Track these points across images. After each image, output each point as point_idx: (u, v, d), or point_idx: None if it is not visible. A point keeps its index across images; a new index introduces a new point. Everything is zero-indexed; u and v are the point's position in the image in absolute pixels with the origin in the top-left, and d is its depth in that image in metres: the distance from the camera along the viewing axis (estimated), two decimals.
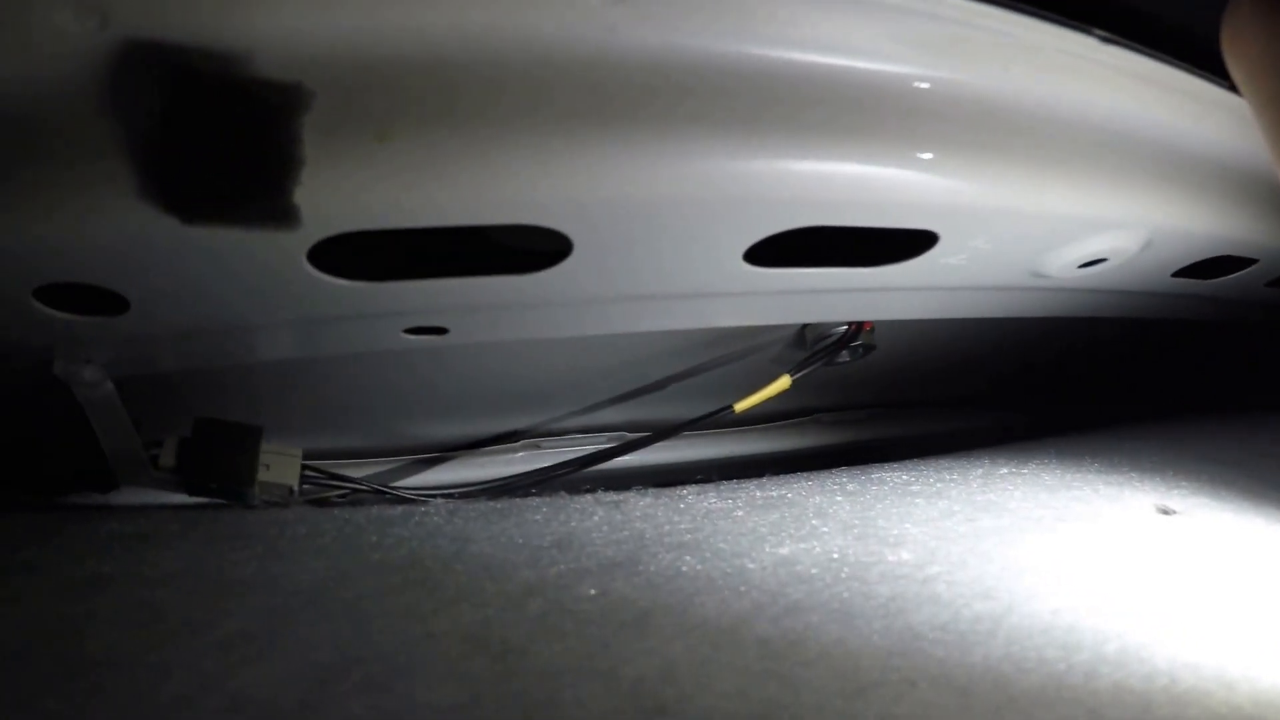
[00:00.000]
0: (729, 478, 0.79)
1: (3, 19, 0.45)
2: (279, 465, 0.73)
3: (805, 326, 0.82)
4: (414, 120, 0.49)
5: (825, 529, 0.62)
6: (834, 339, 0.80)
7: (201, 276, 0.56)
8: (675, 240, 0.57)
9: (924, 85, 0.55)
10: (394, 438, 0.92)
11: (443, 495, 0.80)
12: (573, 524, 0.61)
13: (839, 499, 0.69)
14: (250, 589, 0.51)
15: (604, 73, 0.50)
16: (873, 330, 0.81)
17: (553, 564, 0.54)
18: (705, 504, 0.67)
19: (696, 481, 0.77)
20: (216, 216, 0.48)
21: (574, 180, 0.51)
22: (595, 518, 0.62)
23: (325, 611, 0.48)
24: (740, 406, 0.78)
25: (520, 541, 0.58)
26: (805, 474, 0.77)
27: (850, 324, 0.80)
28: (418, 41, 0.47)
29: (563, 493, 0.74)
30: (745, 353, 0.86)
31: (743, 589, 0.52)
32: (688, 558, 0.56)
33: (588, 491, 0.74)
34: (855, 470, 0.78)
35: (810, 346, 0.82)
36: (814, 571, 0.54)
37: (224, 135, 0.46)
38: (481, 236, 0.58)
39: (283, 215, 0.48)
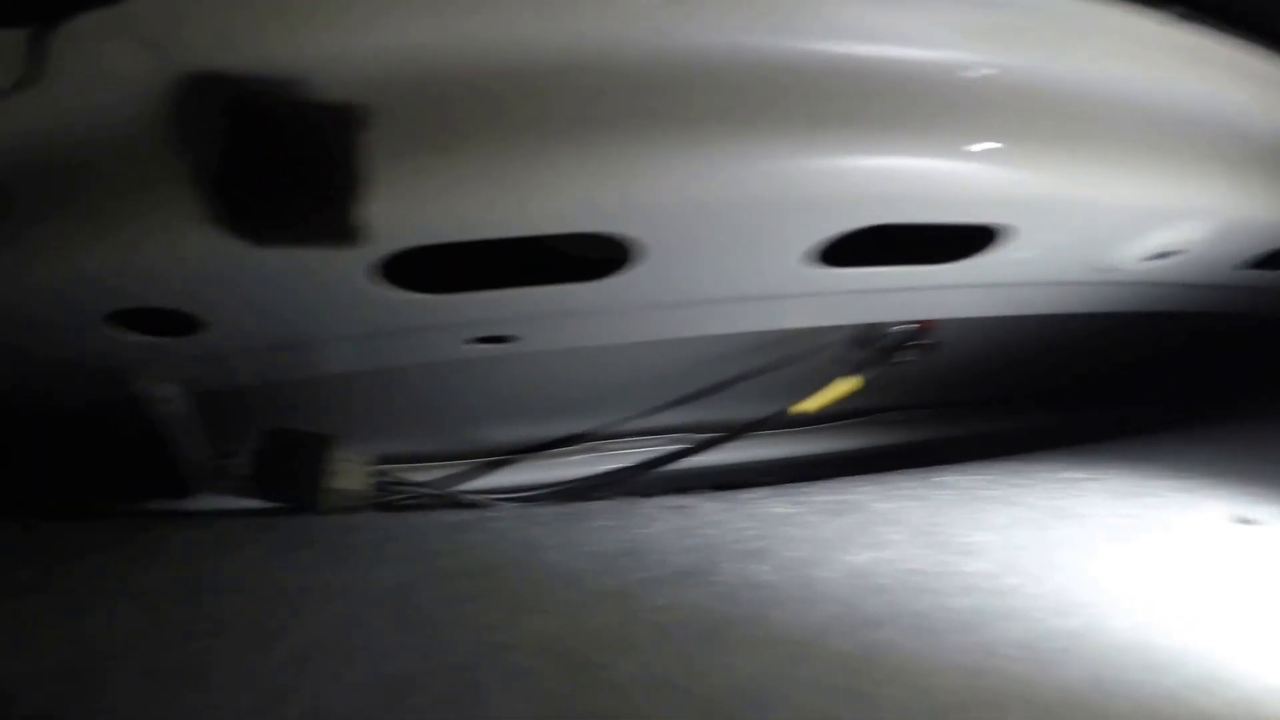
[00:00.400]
0: (791, 479, 0.78)
1: (68, 58, 0.46)
2: (348, 472, 0.74)
3: (870, 326, 0.81)
4: (475, 132, 0.49)
5: (896, 537, 0.61)
6: (898, 337, 0.79)
7: (271, 295, 0.57)
8: (742, 243, 0.57)
9: (983, 74, 0.54)
10: (457, 442, 0.92)
11: (509, 499, 0.80)
12: (641, 530, 0.61)
13: (907, 504, 0.68)
14: (323, 597, 0.51)
15: (661, 76, 0.50)
16: (937, 329, 0.80)
17: (624, 573, 0.54)
18: (772, 509, 0.66)
19: (761, 484, 0.76)
20: (283, 237, 0.49)
21: (638, 186, 0.51)
22: (664, 524, 0.62)
23: (397, 621, 0.48)
24: (806, 406, 0.77)
25: (590, 549, 0.57)
26: (870, 477, 0.76)
27: (915, 322, 0.79)
28: (472, 54, 0.47)
29: (629, 497, 0.74)
30: (807, 353, 0.84)
31: (817, 601, 0.51)
32: (759, 567, 0.55)
33: (653, 495, 0.73)
34: (920, 473, 0.77)
35: (874, 346, 0.81)
36: (888, 582, 0.54)
37: (286, 158, 0.47)
38: (545, 245, 0.58)
39: (348, 233, 0.49)
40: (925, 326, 0.79)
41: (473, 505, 0.79)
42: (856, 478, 0.77)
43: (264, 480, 0.74)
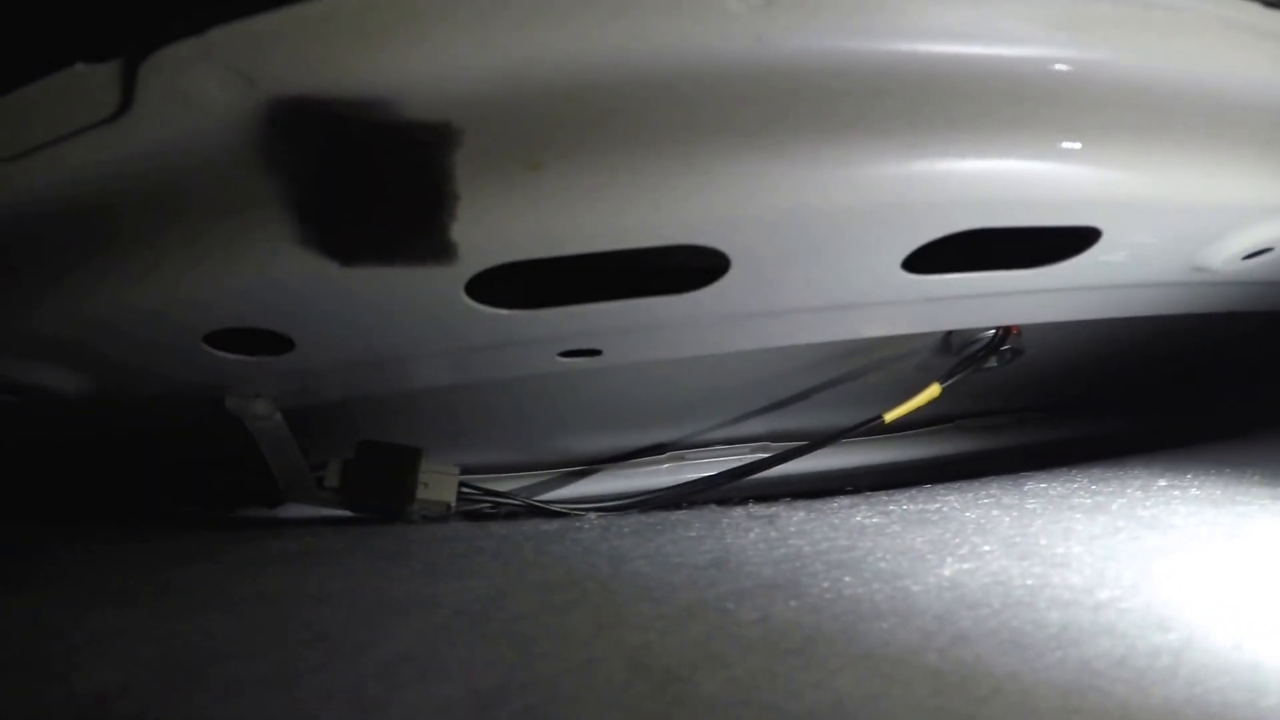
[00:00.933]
0: (875, 487, 0.78)
1: (156, 87, 0.47)
2: (437, 483, 0.76)
3: (951, 332, 0.80)
4: (565, 147, 0.49)
5: (986, 547, 0.60)
6: (983, 344, 0.78)
7: (362, 314, 0.58)
8: (834, 251, 0.57)
9: (1070, 69, 0.52)
10: (540, 452, 0.93)
11: (595, 509, 0.80)
12: (728, 541, 0.61)
13: (995, 513, 0.67)
14: (411, 609, 0.52)
15: (753, 84, 0.49)
16: (1020, 334, 0.79)
17: (711, 585, 0.54)
18: (859, 519, 0.66)
19: (846, 493, 0.76)
20: (375, 257, 0.50)
21: (729, 196, 0.51)
22: (751, 534, 0.62)
23: (485, 633, 0.49)
24: (891, 415, 0.77)
25: (677, 560, 0.57)
26: (954, 485, 0.76)
27: (998, 328, 0.77)
28: (560, 68, 0.47)
29: (713, 506, 0.74)
30: (889, 361, 0.84)
31: (909, 615, 0.51)
32: (848, 579, 0.55)
33: (738, 505, 0.73)
34: (1007, 481, 0.76)
35: (957, 352, 0.80)
36: (979, 596, 0.53)
37: (378, 178, 0.47)
38: (634, 258, 0.58)
39: (440, 251, 0.49)
40: (1009, 332, 0.77)
41: (558, 515, 0.80)
42: (941, 485, 0.76)
43: (354, 491, 0.76)
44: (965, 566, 0.57)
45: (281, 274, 0.53)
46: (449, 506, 0.78)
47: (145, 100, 0.48)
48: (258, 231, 0.52)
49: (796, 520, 0.65)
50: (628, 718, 0.42)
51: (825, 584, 0.54)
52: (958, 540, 0.62)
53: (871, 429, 0.79)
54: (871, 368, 0.84)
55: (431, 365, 0.68)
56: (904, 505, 0.69)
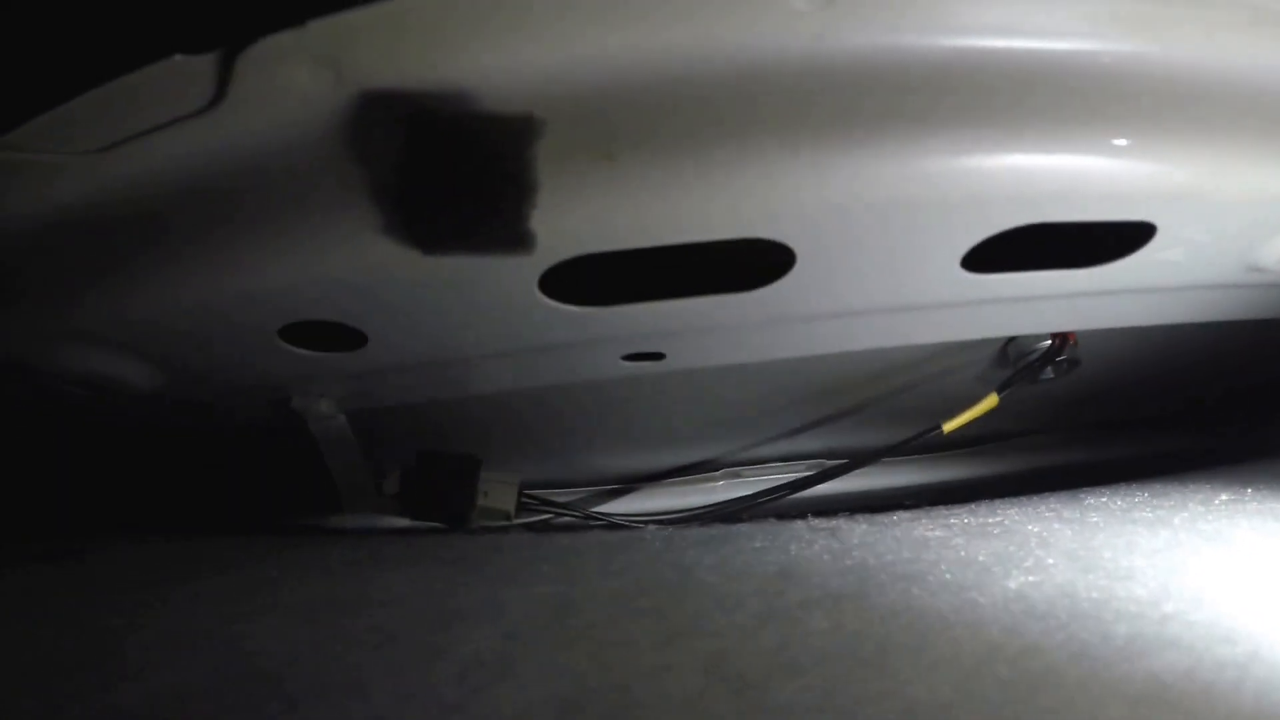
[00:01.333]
0: (931, 503, 0.78)
1: (249, 79, 0.49)
2: (497, 492, 0.78)
3: (1009, 343, 0.80)
4: (637, 139, 0.50)
5: (1050, 560, 0.60)
6: (1040, 353, 0.78)
7: (437, 308, 0.59)
8: (896, 246, 0.57)
9: (1114, 62, 0.53)
10: (587, 468, 0.95)
11: (654, 521, 0.81)
12: (793, 552, 0.61)
13: (1057, 527, 0.67)
14: (480, 615, 0.52)
15: (816, 78, 0.50)
16: (1076, 344, 0.79)
17: (780, 594, 0.54)
18: (920, 532, 0.66)
19: (905, 508, 0.76)
20: (456, 246, 0.51)
21: (794, 188, 0.52)
22: (815, 546, 0.62)
23: (557, 640, 0.49)
24: (950, 425, 0.77)
25: (744, 570, 0.58)
26: (1014, 500, 0.76)
27: (1055, 337, 0.78)
28: (634, 63, 0.49)
29: (772, 519, 0.74)
30: (943, 374, 0.84)
31: (977, 626, 0.51)
32: (915, 590, 0.55)
33: (798, 518, 0.73)
34: (1066, 495, 0.76)
35: (1014, 363, 0.80)
36: (1046, 608, 0.53)
37: (461, 167, 0.49)
38: (694, 260, 0.59)
39: (519, 240, 0.51)
40: (1066, 341, 0.77)
41: (619, 527, 0.81)
42: (1000, 500, 0.76)
43: (414, 499, 0.77)
44: (1030, 579, 0.57)
45: (363, 263, 0.55)
46: (509, 516, 0.79)
47: (239, 92, 0.50)
48: (342, 220, 0.54)
49: (859, 533, 0.65)
50: None
51: (892, 595, 0.54)
52: (1021, 553, 0.62)
53: (928, 444, 0.79)
54: (926, 381, 0.84)
55: (496, 367, 0.69)
56: (964, 519, 0.69)
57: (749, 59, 0.49)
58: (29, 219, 0.57)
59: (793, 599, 0.53)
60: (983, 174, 0.53)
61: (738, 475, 0.95)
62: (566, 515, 0.84)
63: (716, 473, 0.95)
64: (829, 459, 0.92)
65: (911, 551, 0.62)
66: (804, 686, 0.45)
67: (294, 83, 0.50)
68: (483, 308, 0.60)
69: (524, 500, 0.80)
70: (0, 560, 0.64)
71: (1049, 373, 0.79)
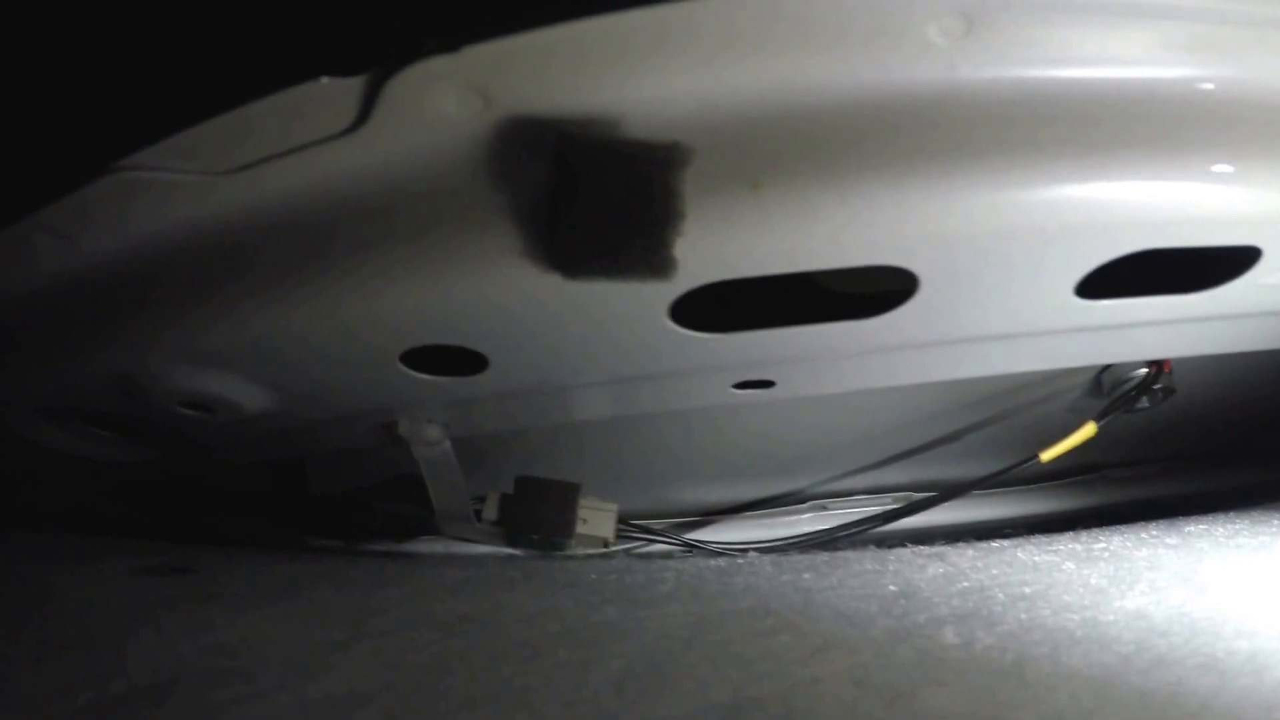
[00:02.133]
0: (1030, 532, 0.79)
1: (395, 101, 0.50)
2: (595, 518, 0.78)
3: (1103, 372, 0.81)
4: (782, 168, 0.51)
5: (1161, 582, 0.61)
6: (1136, 381, 0.79)
7: (565, 333, 0.59)
8: (1016, 273, 0.58)
9: (1213, 88, 0.54)
10: (666, 500, 0.95)
11: (753, 549, 0.82)
12: (907, 575, 0.62)
13: (1162, 552, 0.68)
14: (619, 632, 0.53)
15: (950, 109, 0.51)
16: (1171, 372, 0.79)
17: (906, 614, 0.55)
18: (1027, 557, 0.67)
19: (1005, 535, 0.76)
20: (598, 271, 0.52)
21: (928, 217, 0.53)
22: (928, 570, 0.63)
23: (701, 655, 0.50)
24: (1048, 455, 0.78)
25: (864, 592, 0.59)
26: (1114, 528, 0.76)
27: (1150, 365, 0.78)
28: (778, 95, 0.50)
29: (872, 546, 0.75)
30: (1035, 404, 0.85)
31: (1103, 641, 0.52)
32: (1038, 610, 0.56)
33: (898, 546, 0.74)
34: (1165, 524, 0.76)
35: (1108, 393, 0.81)
36: (1166, 625, 0.54)
37: (609, 194, 0.49)
38: (809, 285, 0.60)
39: (662, 267, 0.51)
40: (1162, 370, 0.78)
41: (717, 554, 0.81)
42: (1099, 529, 0.77)
43: (513, 525, 0.77)
44: (1146, 599, 0.58)
45: (502, 287, 0.55)
46: (607, 543, 0.79)
47: (383, 115, 0.51)
48: (482, 244, 0.54)
49: (968, 558, 0.66)
50: None
51: (1016, 614, 0.55)
52: (1132, 576, 0.63)
53: (1024, 472, 0.79)
54: (1018, 411, 0.85)
55: (606, 394, 0.69)
56: (1069, 545, 0.70)
57: (887, 90, 0.50)
58: (155, 238, 0.58)
59: (919, 618, 0.54)
60: (1100, 201, 0.54)
61: (823, 508, 0.94)
62: (665, 542, 0.84)
63: (803, 504, 0.95)
64: (915, 491, 0.92)
65: (1022, 575, 0.63)
66: (951, 695, 0.45)
67: (441, 107, 0.50)
68: (610, 333, 0.60)
69: (620, 527, 0.80)
70: (114, 574, 0.64)
71: (1144, 401, 0.79)
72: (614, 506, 0.79)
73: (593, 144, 0.49)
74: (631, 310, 0.57)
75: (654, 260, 0.51)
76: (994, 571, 0.62)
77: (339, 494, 0.85)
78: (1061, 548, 0.69)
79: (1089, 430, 0.78)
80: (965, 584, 0.60)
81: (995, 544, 0.72)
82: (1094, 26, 0.51)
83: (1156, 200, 0.55)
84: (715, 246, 0.52)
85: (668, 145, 0.48)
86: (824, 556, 0.69)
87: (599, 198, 0.49)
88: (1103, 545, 0.69)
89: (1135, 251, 0.57)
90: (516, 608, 0.57)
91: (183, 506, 0.89)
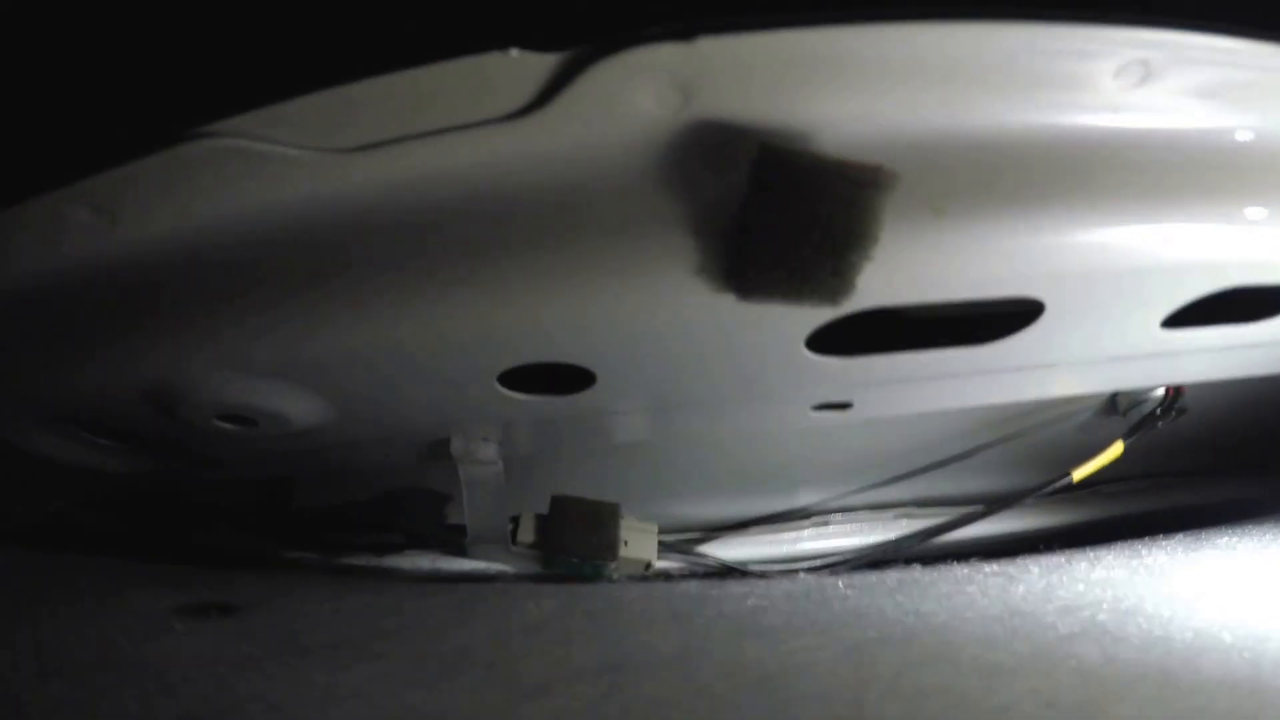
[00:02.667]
0: (1050, 547, 0.81)
1: (591, 91, 0.46)
2: (637, 540, 0.75)
3: (1117, 394, 0.84)
4: (965, 196, 0.51)
5: (1235, 590, 0.63)
6: (1154, 402, 0.82)
7: (698, 353, 0.57)
8: (1125, 304, 0.59)
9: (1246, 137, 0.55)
10: (665, 517, 0.93)
11: (802, 569, 0.81)
12: (995, 594, 0.63)
13: (1207, 562, 0.71)
14: (789, 671, 0.50)
15: (1107, 151, 0.52)
16: (1184, 393, 0.82)
17: (1031, 633, 0.55)
18: (1088, 574, 0.69)
19: (1039, 551, 0.78)
20: (779, 292, 0.50)
21: (1074, 251, 0.54)
22: (1013, 589, 0.64)
23: (883, 689, 0.48)
24: (1079, 473, 0.80)
25: (969, 614, 0.59)
26: (1143, 540, 0.79)
27: (1169, 387, 0.81)
28: (962, 126, 0.50)
29: (917, 565, 0.76)
30: (1049, 423, 0.87)
31: (1221, 649, 0.53)
32: (1139, 621, 0.57)
33: (938, 563, 0.75)
34: (1191, 537, 0.79)
35: (1124, 413, 0.83)
36: (1268, 630, 0.56)
37: (811, 213, 0.47)
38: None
39: (842, 291, 0.50)
40: (1180, 391, 0.81)
41: (763, 575, 0.81)
42: (1129, 542, 0.79)
43: (550, 547, 0.75)
44: (1229, 607, 0.60)
45: (662, 303, 0.52)
46: (648, 565, 0.77)
47: (568, 101, 0.46)
48: (649, 256, 0.51)
49: (1034, 575, 0.67)
50: None
51: (1124, 627, 0.56)
52: (1204, 585, 0.65)
53: (1056, 490, 0.81)
54: (1034, 430, 0.87)
55: (696, 416, 0.68)
56: (1114, 557, 0.72)
57: (1058, 130, 0.51)
58: (232, 222, 0.52)
59: (1047, 636, 0.55)
60: (1211, 242, 0.56)
61: (825, 524, 0.94)
62: (703, 564, 0.84)
63: (804, 520, 0.95)
64: (918, 507, 0.94)
65: (1099, 592, 0.64)
66: (1136, 707, 0.46)
67: (636, 100, 0.47)
68: (742, 356, 0.58)
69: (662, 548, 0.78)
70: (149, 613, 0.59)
71: (1160, 422, 0.82)
72: (653, 526, 0.77)
73: (799, 159, 0.47)
74: (776, 334, 0.56)
75: (837, 284, 0.49)
76: (1078, 589, 0.63)
77: (364, 509, 0.82)
78: (1114, 561, 0.71)
79: (1116, 449, 0.80)
80: (1061, 602, 0.61)
81: (1040, 560, 0.73)
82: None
83: (1238, 242, 0.57)
84: (890, 272, 0.51)
85: (875, 167, 0.47)
86: (888, 577, 0.70)
87: (799, 215, 0.47)
88: (1150, 560, 0.71)
89: (1229, 289, 0.59)
90: (650, 649, 0.53)
91: (177, 521, 0.84)
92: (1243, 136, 0.53)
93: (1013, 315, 0.59)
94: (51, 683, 0.45)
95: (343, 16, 0.49)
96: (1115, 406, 0.84)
